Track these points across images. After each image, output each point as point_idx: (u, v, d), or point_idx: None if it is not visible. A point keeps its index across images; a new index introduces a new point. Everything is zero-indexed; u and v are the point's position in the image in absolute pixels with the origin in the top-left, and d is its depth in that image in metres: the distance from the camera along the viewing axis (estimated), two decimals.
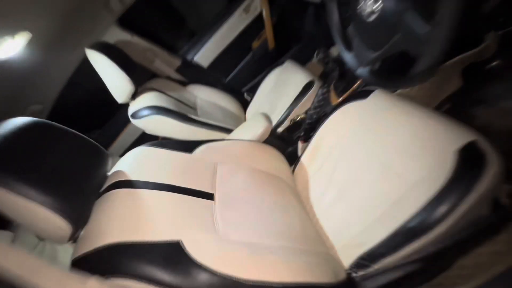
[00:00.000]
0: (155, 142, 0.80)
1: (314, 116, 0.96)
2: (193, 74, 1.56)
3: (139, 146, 0.82)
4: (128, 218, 0.56)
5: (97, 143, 0.68)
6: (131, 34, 1.34)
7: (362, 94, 0.84)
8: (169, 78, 1.45)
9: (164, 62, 1.47)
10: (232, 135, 1.09)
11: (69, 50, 1.19)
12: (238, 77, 1.67)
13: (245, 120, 1.52)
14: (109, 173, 0.72)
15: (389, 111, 0.71)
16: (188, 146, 0.82)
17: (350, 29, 0.68)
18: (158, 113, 1.08)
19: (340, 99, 0.96)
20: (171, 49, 1.52)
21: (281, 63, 1.47)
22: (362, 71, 0.65)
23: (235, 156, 0.85)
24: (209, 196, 0.69)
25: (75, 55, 1.23)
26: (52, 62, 1.22)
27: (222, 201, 0.69)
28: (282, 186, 0.84)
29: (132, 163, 0.72)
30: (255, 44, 1.62)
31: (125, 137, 1.59)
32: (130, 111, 1.12)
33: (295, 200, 0.82)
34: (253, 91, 1.58)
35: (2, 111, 1.21)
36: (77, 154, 0.63)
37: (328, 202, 0.79)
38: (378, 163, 0.67)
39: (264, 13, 1.53)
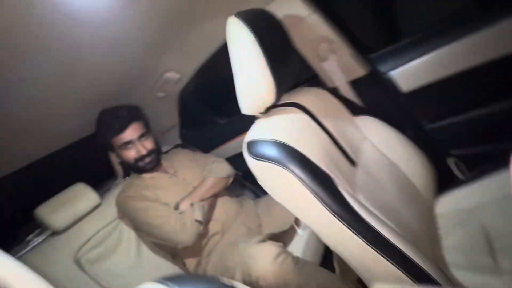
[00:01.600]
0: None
1: None
2: (375, 98, 0.92)
3: None
4: None
5: None
6: (312, 9, 0.84)
7: None
8: (334, 92, 0.88)
9: (341, 64, 0.90)
10: None
11: (218, 16, 0.84)
12: (456, 129, 0.89)
13: (432, 213, 0.78)
14: None
15: None
16: None
17: None
18: (284, 164, 0.56)
19: None
20: (359, 48, 0.93)
21: None
22: None
23: None
24: None
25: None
26: (196, 27, 0.91)
27: None
28: None
29: None
30: None
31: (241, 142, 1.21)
32: (249, 134, 0.65)
33: None
34: (475, 166, 0.79)
35: (139, 69, 1.04)
36: None
37: None
38: None
39: None
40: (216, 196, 1.12)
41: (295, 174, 0.56)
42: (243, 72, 0.62)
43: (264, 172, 0.60)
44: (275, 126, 0.64)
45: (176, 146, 1.49)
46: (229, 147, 1.40)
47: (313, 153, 0.60)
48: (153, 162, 1.09)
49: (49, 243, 1.00)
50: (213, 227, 1.07)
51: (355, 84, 0.92)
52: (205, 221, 1.03)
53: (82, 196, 1.06)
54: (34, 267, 0.97)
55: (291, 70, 0.70)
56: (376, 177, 0.74)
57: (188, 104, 1.35)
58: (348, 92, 0.92)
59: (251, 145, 0.62)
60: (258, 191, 1.44)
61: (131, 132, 1.04)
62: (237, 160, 1.33)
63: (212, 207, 1.10)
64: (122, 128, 1.02)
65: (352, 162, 0.72)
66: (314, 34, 0.87)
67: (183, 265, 1.10)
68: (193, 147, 1.46)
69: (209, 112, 1.41)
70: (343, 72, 0.91)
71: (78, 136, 1.12)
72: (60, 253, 0.99)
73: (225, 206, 1.13)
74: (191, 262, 1.07)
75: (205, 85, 1.23)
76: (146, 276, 1.07)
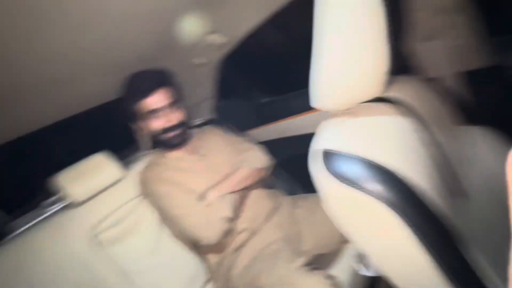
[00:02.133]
0: None
1: None
2: (494, 101, 0.67)
3: None
4: None
5: None
6: None
7: None
8: (435, 86, 0.63)
9: (452, 48, 0.64)
10: None
11: None
12: None
13: None
14: None
15: None
16: None
17: None
18: (385, 199, 0.36)
19: None
20: (484, 30, 0.65)
21: None
22: None
23: None
24: None
25: None
26: None
27: None
28: None
29: None
30: None
31: (282, 127, 1.02)
32: (323, 138, 0.44)
33: None
34: None
35: (176, 27, 0.84)
36: None
37: None
38: None
39: None
40: (248, 189, 0.97)
41: (404, 217, 0.36)
42: (338, 45, 0.40)
43: (344, 201, 0.41)
44: (369, 135, 0.43)
45: (209, 122, 1.32)
46: (268, 130, 1.22)
47: (425, 184, 0.39)
48: (179, 137, 0.94)
49: (65, 215, 0.91)
50: (241, 224, 0.92)
51: (467, 78, 0.66)
52: (234, 218, 0.89)
53: (104, 167, 0.95)
54: (48, 239, 0.91)
55: (399, 48, 0.47)
56: (491, 218, 0.52)
57: (229, 75, 1.15)
58: (455, 88, 0.67)
59: (330, 157, 0.42)
60: (295, 186, 1.27)
61: (159, 98, 0.89)
62: (274, 146, 1.15)
63: (242, 202, 0.95)
64: (150, 92, 0.88)
65: (462, 192, 0.51)
66: (425, 0, 0.60)
67: (204, 260, 0.99)
68: (227, 125, 1.29)
69: (251, 87, 1.21)
70: (453, 59, 0.65)
71: (104, 99, 0.98)
72: (75, 227, 0.90)
73: (257, 202, 0.97)
74: (212, 259, 0.95)
75: (253, 55, 1.01)
76: (164, 266, 0.97)
